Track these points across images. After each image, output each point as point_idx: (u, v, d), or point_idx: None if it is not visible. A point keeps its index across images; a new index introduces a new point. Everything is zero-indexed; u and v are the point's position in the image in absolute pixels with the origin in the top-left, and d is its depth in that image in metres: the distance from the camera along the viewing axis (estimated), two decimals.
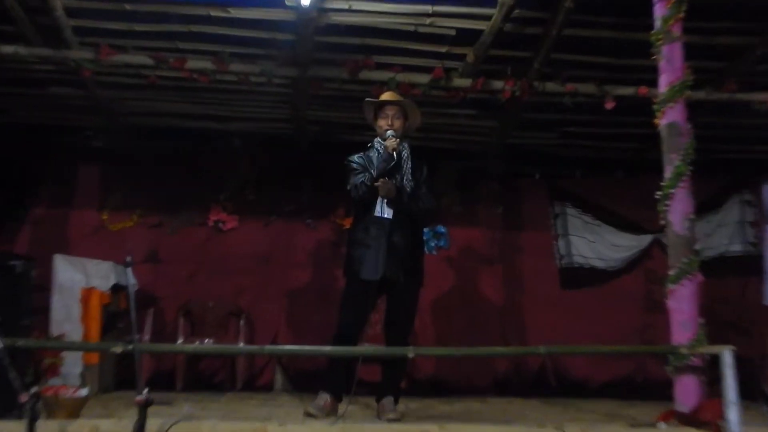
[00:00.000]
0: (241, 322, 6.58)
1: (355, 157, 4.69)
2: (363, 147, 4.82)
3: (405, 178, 4.58)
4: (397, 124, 4.63)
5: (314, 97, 6.10)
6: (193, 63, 5.51)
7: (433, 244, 7.11)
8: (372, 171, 4.51)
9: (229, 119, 6.76)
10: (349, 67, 5.56)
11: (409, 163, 4.63)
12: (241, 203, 7.01)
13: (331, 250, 6.96)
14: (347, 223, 6.84)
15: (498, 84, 5.75)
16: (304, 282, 6.90)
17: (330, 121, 6.72)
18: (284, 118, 6.73)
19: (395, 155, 4.49)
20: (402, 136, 4.66)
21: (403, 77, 5.63)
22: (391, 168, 4.48)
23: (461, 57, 5.57)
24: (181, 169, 6.97)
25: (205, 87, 5.80)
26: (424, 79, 5.67)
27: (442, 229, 7.16)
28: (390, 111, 4.65)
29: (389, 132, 4.57)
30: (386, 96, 4.72)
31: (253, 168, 7.09)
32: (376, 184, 4.44)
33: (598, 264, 7.24)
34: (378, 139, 4.71)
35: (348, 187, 4.59)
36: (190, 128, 6.88)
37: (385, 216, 4.48)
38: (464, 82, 5.72)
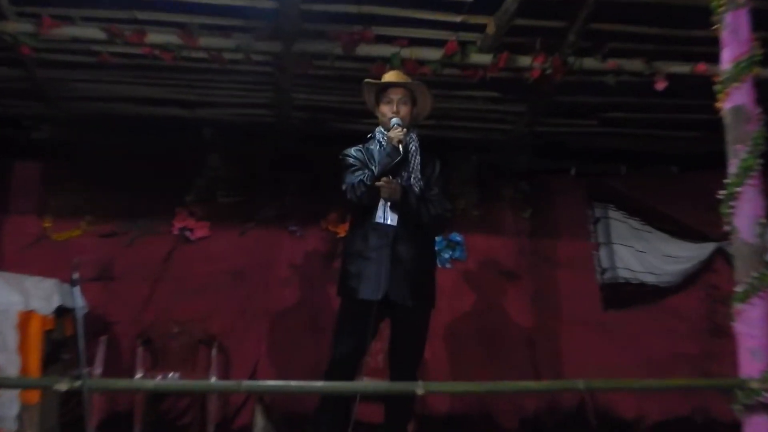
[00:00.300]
0: (213, 353, 6.59)
1: (352, 151, 4.69)
2: (361, 138, 4.84)
3: (413, 175, 4.59)
4: (404, 110, 4.64)
5: (301, 78, 6.10)
6: (154, 37, 5.50)
7: (446, 256, 7.14)
8: (373, 168, 4.52)
9: (197, 105, 6.77)
10: (344, 41, 5.55)
11: (418, 157, 4.63)
12: (213, 207, 7.05)
13: (323, 263, 6.99)
14: (342, 231, 6.89)
15: (525, 60, 5.75)
16: (290, 303, 6.93)
17: (320, 106, 6.73)
18: (265, 104, 6.74)
19: (401, 148, 4.49)
20: (409, 125, 4.67)
21: (409, 53, 5.62)
22: (396, 164, 4.49)
23: (480, 28, 5.56)
24: (140, 165, 6.99)
25: (168, 66, 5.80)
26: (434, 54, 5.66)
27: (457, 237, 7.19)
28: (395, 95, 4.66)
29: (394, 120, 4.58)
30: (390, 76, 4.72)
31: (227, 164, 7.13)
32: (377, 183, 4.45)
33: (648, 279, 7.28)
34: (380, 128, 4.72)
35: (343, 187, 4.59)
36: (150, 116, 6.89)
37: (389, 222, 4.50)
38: (484, 59, 5.71)
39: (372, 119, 4.91)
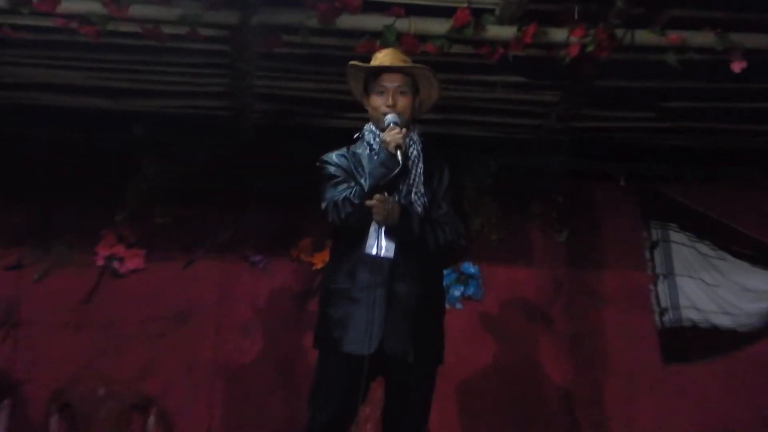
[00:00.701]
0: (151, 421, 6.58)
1: (334, 157, 4.65)
2: (344, 137, 4.80)
3: (414, 189, 4.55)
4: (402, 102, 4.60)
5: (265, 58, 6.09)
6: (70, 5, 5.46)
7: (457, 293, 7.14)
8: (362, 180, 4.49)
9: (128, 95, 6.76)
10: (321, 10, 5.51)
11: (421, 164, 4.59)
12: (149, 230, 7.06)
13: (294, 304, 7.00)
14: (319, 262, 6.91)
15: (559, 34, 5.71)
16: (251, 356, 6.93)
17: (290, 95, 6.73)
18: (217, 92, 6.73)
19: (400, 156, 4.44)
20: (409, 120, 4.64)
21: (407, 25, 5.58)
22: (393, 177, 4.46)
23: None
24: (53, 174, 6.99)
25: (90, 44, 5.75)
26: (440, 27, 5.63)
27: (471, 268, 7.19)
28: (390, 82, 4.62)
29: (390, 118, 4.53)
30: (384, 58, 4.68)
31: (166, 172, 7.12)
32: (369, 202, 4.39)
33: (723, 321, 7.29)
34: (370, 126, 4.68)
35: (322, 205, 4.54)
36: (66, 109, 6.87)
37: (384, 254, 4.45)
38: (505, 32, 5.68)
39: (360, 112, 4.88)
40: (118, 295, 6.97)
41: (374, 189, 4.41)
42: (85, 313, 6.90)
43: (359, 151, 4.66)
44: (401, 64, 4.66)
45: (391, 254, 4.46)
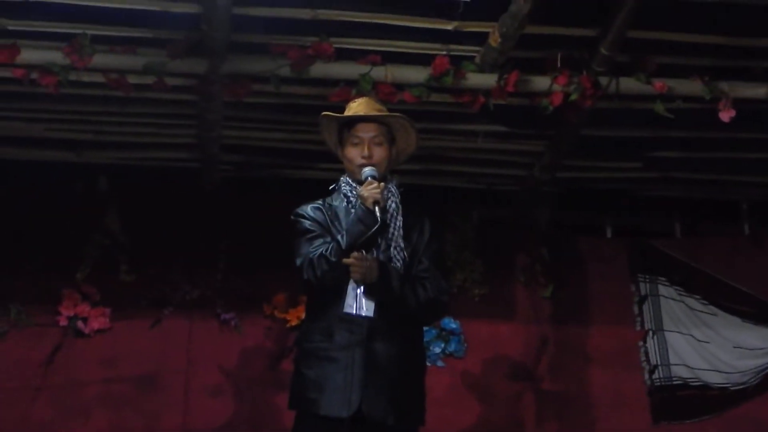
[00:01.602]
0: None
1: (309, 210, 4.60)
2: (318, 189, 4.74)
3: (394, 244, 4.50)
4: (379, 154, 4.56)
5: (234, 108, 6.10)
6: (29, 54, 5.47)
7: (437, 350, 7.10)
8: (339, 236, 4.44)
9: (91, 146, 6.75)
10: (293, 57, 5.54)
11: (400, 218, 4.55)
12: (113, 286, 7.00)
13: (268, 364, 6.95)
14: (293, 319, 6.86)
15: (542, 82, 5.75)
16: (221, 419, 6.86)
17: (260, 146, 6.74)
18: (184, 144, 6.74)
19: (378, 212, 4.41)
20: (387, 171, 4.60)
21: (383, 73, 5.62)
22: (372, 233, 4.41)
23: (480, 38, 5.56)
24: (11, 230, 6.94)
25: (51, 95, 5.73)
26: (418, 75, 5.66)
27: (452, 324, 7.14)
28: (365, 132, 4.58)
29: (367, 172, 4.49)
30: (359, 107, 4.64)
31: (131, 227, 7.10)
32: (346, 261, 4.36)
33: (714, 379, 7.27)
34: (347, 178, 4.64)
35: (297, 262, 4.48)
36: (25, 163, 6.85)
37: (363, 313, 4.40)
38: (486, 80, 5.71)
39: (334, 163, 4.84)
40: (82, 356, 6.90)
41: (352, 247, 4.38)
42: (47, 376, 6.83)
43: (336, 203, 4.62)
44: (376, 113, 4.63)
45: (370, 313, 4.41)
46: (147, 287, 7.03)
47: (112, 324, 6.96)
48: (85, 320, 6.92)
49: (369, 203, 4.40)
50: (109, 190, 7.16)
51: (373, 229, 4.38)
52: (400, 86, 5.66)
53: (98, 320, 6.94)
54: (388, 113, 4.66)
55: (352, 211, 4.51)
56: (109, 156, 6.88)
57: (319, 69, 5.59)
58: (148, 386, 6.87)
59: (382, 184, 4.48)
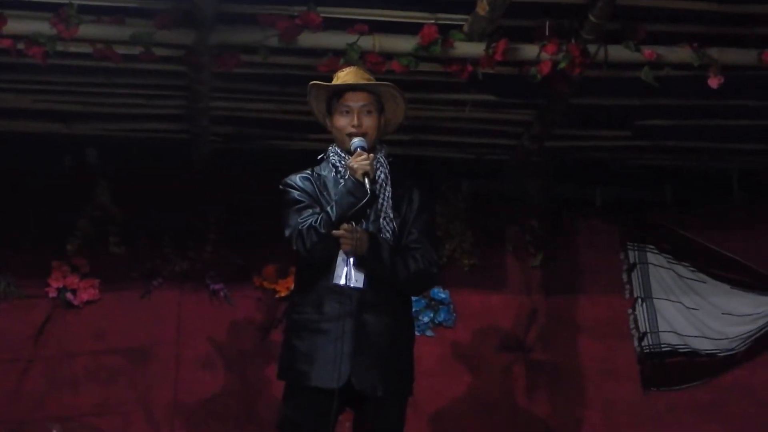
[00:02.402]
0: None
1: (298, 180, 4.60)
2: (307, 160, 4.74)
3: (383, 215, 4.51)
4: (368, 123, 4.56)
5: (223, 79, 6.08)
6: (16, 25, 5.43)
7: (426, 320, 7.10)
8: (328, 208, 4.43)
9: (79, 118, 6.74)
10: (281, 27, 5.51)
11: (389, 188, 4.56)
12: (103, 258, 7.00)
13: (258, 335, 6.95)
14: (283, 290, 6.86)
15: (530, 50, 5.73)
16: (212, 391, 6.88)
17: (249, 117, 6.73)
18: (173, 115, 6.73)
19: (368, 184, 4.40)
20: (376, 141, 4.59)
21: (371, 42, 5.60)
22: (362, 206, 4.40)
23: (468, 6, 5.53)
24: (0, 201, 6.92)
25: (38, 66, 5.71)
26: (406, 44, 5.64)
27: (441, 294, 7.15)
28: (355, 101, 4.57)
29: (356, 142, 4.49)
30: (348, 76, 4.65)
31: (120, 199, 7.08)
32: (336, 233, 4.36)
33: (703, 346, 7.29)
34: (336, 147, 4.63)
35: (286, 233, 4.48)
36: (13, 134, 6.83)
37: (352, 284, 4.39)
38: (474, 49, 5.69)
39: (323, 133, 4.83)
40: (72, 328, 6.91)
41: (341, 219, 4.38)
42: (36, 348, 6.83)
43: (324, 173, 4.61)
44: (365, 82, 4.62)
45: (360, 284, 4.42)
46: (137, 259, 7.02)
47: (101, 295, 6.96)
48: (74, 292, 6.93)
49: (358, 175, 4.39)
50: (99, 162, 7.14)
51: (363, 201, 4.38)
52: (388, 56, 5.64)
53: (88, 292, 6.94)
54: (377, 82, 4.67)
55: (341, 181, 4.51)
56: (97, 127, 6.87)
57: (308, 39, 5.56)
58: (138, 358, 6.87)
59: (372, 155, 4.48)
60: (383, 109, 4.66)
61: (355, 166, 4.40)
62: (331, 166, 4.61)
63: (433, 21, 5.61)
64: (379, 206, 4.51)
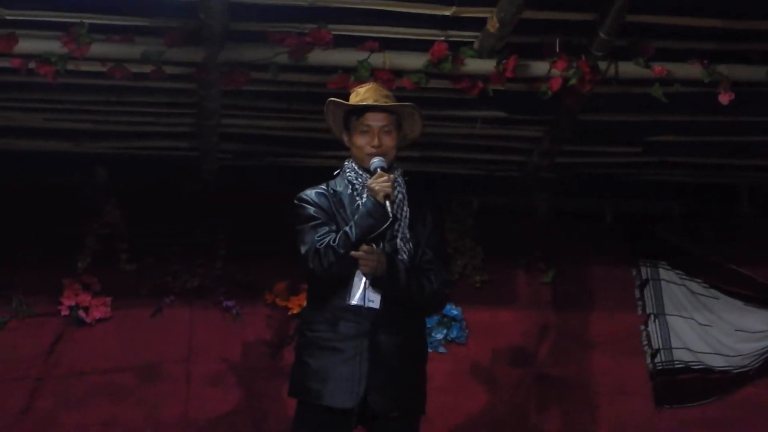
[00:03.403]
0: None
1: (313, 195, 4.54)
2: (317, 177, 4.72)
3: (400, 235, 4.49)
4: (388, 143, 4.49)
5: (232, 96, 6.10)
6: (27, 44, 5.46)
7: (439, 337, 7.10)
8: (347, 228, 4.38)
9: (90, 136, 6.74)
10: (291, 45, 5.53)
11: (406, 208, 4.55)
12: (113, 276, 7.00)
13: (269, 352, 6.95)
14: (295, 307, 6.86)
15: (541, 67, 5.75)
16: (223, 409, 6.86)
17: (259, 135, 6.74)
18: (183, 132, 6.73)
19: (389, 206, 4.36)
20: (393, 160, 4.56)
21: (381, 59, 5.61)
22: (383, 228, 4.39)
23: (478, 24, 5.56)
24: (12, 221, 6.93)
25: (49, 85, 5.74)
26: (416, 61, 5.65)
27: (454, 311, 7.14)
28: (375, 121, 4.51)
29: (377, 162, 4.43)
30: (367, 94, 4.56)
31: (130, 216, 7.08)
32: (355, 254, 4.33)
33: (716, 363, 7.27)
34: (352, 163, 4.59)
35: (302, 250, 4.43)
36: (23, 153, 6.86)
37: (369, 305, 4.38)
38: (484, 66, 5.71)
39: (333, 150, 4.84)
40: (84, 345, 6.90)
41: (361, 240, 4.34)
42: (48, 366, 6.82)
43: (340, 189, 4.56)
44: (386, 101, 4.55)
45: (376, 305, 4.39)
46: (147, 276, 7.02)
47: (113, 313, 6.96)
48: (86, 310, 6.92)
49: (380, 197, 4.34)
50: (108, 180, 7.16)
51: (385, 225, 4.36)
52: (398, 73, 5.65)
53: (99, 309, 6.93)
54: (398, 103, 4.59)
55: (357, 198, 4.49)
56: (107, 146, 6.88)
57: (318, 56, 5.58)
58: (149, 376, 6.87)
59: (392, 176, 4.44)
60: (401, 127, 4.66)
61: (377, 188, 4.35)
62: (347, 182, 4.56)
63: (443, 38, 5.63)
64: (396, 227, 4.48)
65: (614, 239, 7.47)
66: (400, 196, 4.53)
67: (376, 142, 4.48)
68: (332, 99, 4.59)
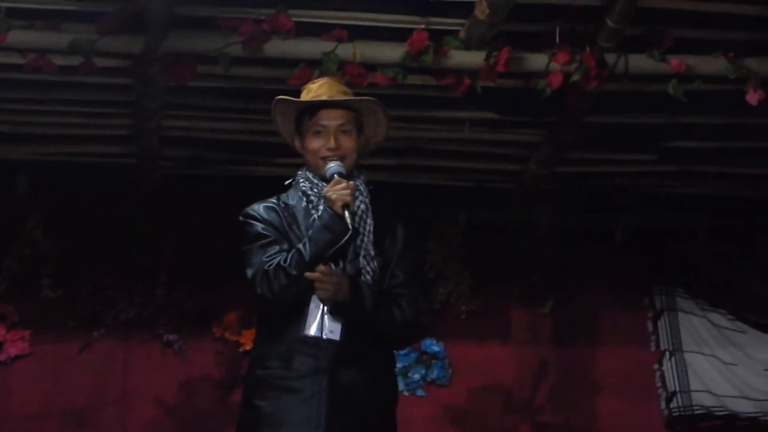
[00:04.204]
0: None
1: (261, 210, 4.54)
2: (273, 187, 4.71)
3: (363, 252, 4.48)
4: (347, 144, 4.51)
5: (175, 93, 6.12)
6: None
7: (417, 377, 7.13)
8: (301, 245, 4.37)
9: (8, 140, 6.75)
10: (245, 33, 5.54)
11: (370, 221, 4.54)
12: (34, 305, 7.03)
13: (217, 394, 6.98)
14: (247, 341, 6.84)
15: (538, 60, 5.77)
16: None
17: (207, 138, 6.77)
18: (118, 136, 6.76)
19: (348, 217, 4.36)
20: (354, 165, 4.57)
21: (350, 50, 5.63)
22: (343, 243, 4.37)
23: (464, 8, 5.56)
24: None
25: None
26: (392, 53, 5.67)
27: (434, 346, 7.18)
28: (331, 120, 4.52)
29: (333, 167, 4.43)
30: (320, 90, 4.58)
31: (55, 234, 7.10)
32: (310, 275, 4.32)
33: (743, 407, 7.32)
34: (307, 172, 4.61)
35: (249, 273, 4.42)
36: None
37: (327, 336, 4.37)
38: (472, 58, 5.73)
39: (296, 157, 4.81)
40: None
41: (317, 259, 4.32)
42: None
43: (293, 202, 4.56)
44: (342, 96, 4.58)
45: (336, 336, 4.37)
46: (75, 305, 7.06)
47: (32, 349, 6.98)
48: (0, 345, 6.93)
49: (337, 207, 4.31)
50: (30, 191, 7.15)
51: (344, 239, 4.36)
52: (371, 66, 5.67)
53: (16, 345, 6.95)
54: (356, 97, 4.61)
55: (313, 212, 4.47)
56: (29, 151, 6.90)
57: (276, 47, 5.59)
58: (77, 422, 6.91)
59: (352, 183, 4.44)
60: (362, 128, 4.66)
61: (334, 196, 4.32)
62: (300, 194, 4.55)
63: (423, 26, 5.62)
64: (359, 242, 4.46)
65: (625, 262, 7.52)
66: (362, 206, 4.50)
67: (332, 143, 4.46)
68: (280, 97, 4.58)
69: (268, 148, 6.54)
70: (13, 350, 6.93)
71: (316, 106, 4.52)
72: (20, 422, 6.83)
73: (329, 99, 4.52)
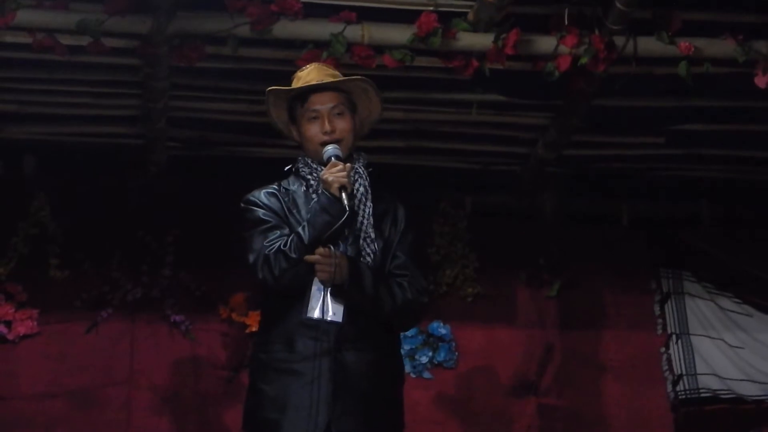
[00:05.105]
0: None
1: (262, 196, 4.59)
2: (280, 169, 4.72)
3: (363, 234, 4.50)
4: (342, 126, 4.54)
5: (183, 74, 6.12)
6: None
7: (424, 360, 7.11)
8: (300, 228, 4.41)
9: (16, 120, 6.75)
10: (253, 14, 5.53)
11: (369, 203, 4.55)
12: (42, 285, 7.00)
13: (223, 375, 6.97)
14: (254, 323, 6.80)
15: (546, 43, 5.76)
16: None
17: (214, 120, 6.77)
18: (125, 116, 6.75)
19: (346, 199, 4.38)
20: (352, 147, 4.58)
21: (359, 32, 5.62)
22: (340, 225, 4.39)
23: None
24: None
25: None
26: (400, 35, 5.66)
27: (441, 329, 7.15)
28: (322, 104, 4.55)
29: (330, 150, 4.47)
30: (309, 76, 4.62)
31: (62, 214, 7.09)
32: (309, 258, 4.34)
33: (749, 391, 7.31)
34: (305, 158, 4.62)
35: (250, 259, 4.47)
36: None
37: (329, 318, 4.39)
38: (480, 40, 5.71)
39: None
40: (7, 366, 6.90)
41: (316, 241, 4.35)
42: None
43: (293, 188, 4.60)
44: (331, 79, 4.60)
45: (338, 318, 4.39)
46: (82, 285, 7.03)
47: (40, 328, 6.95)
48: (8, 324, 6.92)
49: (334, 189, 4.35)
50: (37, 172, 7.17)
51: (341, 220, 4.36)
52: (379, 48, 5.66)
53: (24, 324, 6.92)
54: (343, 77, 4.63)
55: (313, 196, 4.50)
56: (36, 131, 6.89)
57: (285, 28, 5.59)
58: (83, 402, 6.87)
59: (348, 165, 4.45)
60: (356, 108, 4.66)
61: (330, 178, 4.36)
62: (300, 179, 4.59)
63: (432, 8, 5.62)
64: (359, 225, 4.49)
65: (632, 246, 7.50)
66: (361, 189, 4.55)
67: (327, 127, 4.50)
68: (271, 88, 4.62)
69: (274, 129, 6.54)
70: (21, 329, 6.90)
71: (306, 92, 4.56)
72: (27, 401, 6.82)
73: (317, 83, 4.54)
